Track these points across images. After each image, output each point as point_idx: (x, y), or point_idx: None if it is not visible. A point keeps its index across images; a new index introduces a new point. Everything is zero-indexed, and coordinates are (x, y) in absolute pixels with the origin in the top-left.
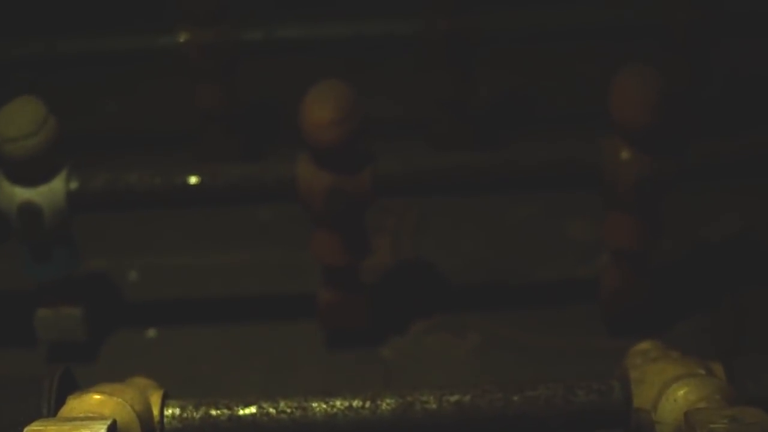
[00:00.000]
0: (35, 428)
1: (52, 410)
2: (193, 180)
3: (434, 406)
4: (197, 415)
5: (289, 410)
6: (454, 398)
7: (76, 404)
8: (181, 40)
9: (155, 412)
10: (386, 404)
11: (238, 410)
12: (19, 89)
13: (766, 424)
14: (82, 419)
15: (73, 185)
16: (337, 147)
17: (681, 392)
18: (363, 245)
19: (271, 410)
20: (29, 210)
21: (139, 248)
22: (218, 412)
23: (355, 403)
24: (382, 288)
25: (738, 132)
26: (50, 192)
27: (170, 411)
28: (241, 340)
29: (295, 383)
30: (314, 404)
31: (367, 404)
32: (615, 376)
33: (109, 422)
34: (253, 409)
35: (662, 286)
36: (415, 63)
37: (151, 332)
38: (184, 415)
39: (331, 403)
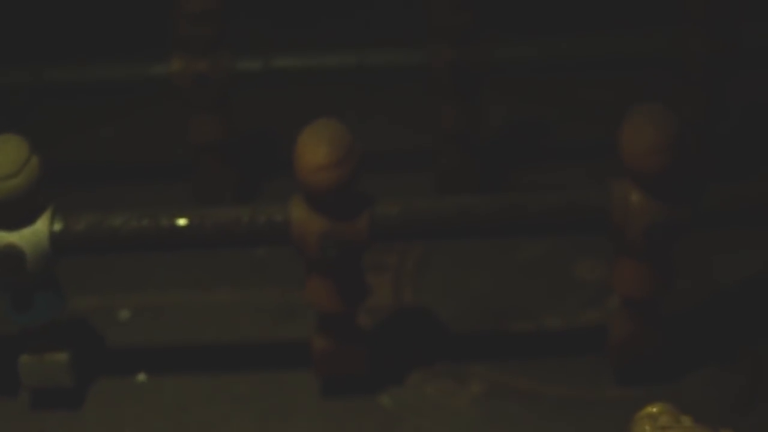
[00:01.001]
0: None
1: None
2: (181, 223)
3: None
4: None
5: None
6: None
7: None
8: (174, 69)
9: None
10: None
11: None
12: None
13: None
14: None
15: (57, 227)
16: (332, 191)
17: None
18: (360, 291)
19: None
20: (11, 253)
21: (129, 287)
22: None
23: None
24: (380, 333)
25: (756, 169)
26: (33, 234)
27: None
28: (234, 386)
29: None
30: None
31: None
32: None
33: None
34: None
35: (673, 334)
36: (420, 93)
37: (141, 377)
38: None
39: None
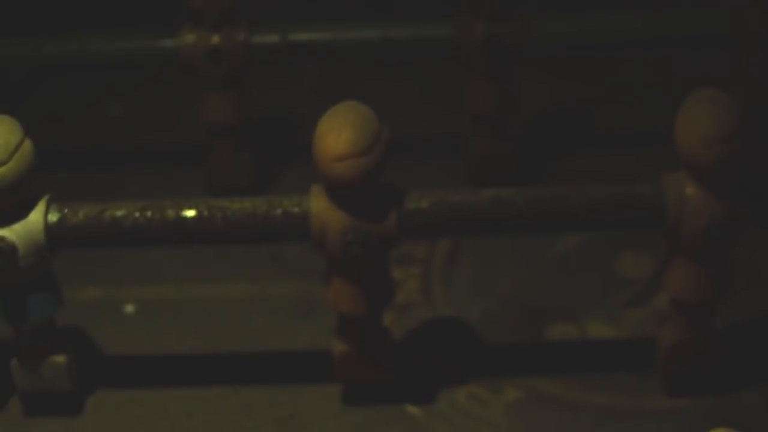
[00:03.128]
0: None
1: None
2: (189, 215)
3: None
4: None
5: None
6: None
7: None
8: (186, 43)
9: None
10: None
11: None
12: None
13: None
14: None
15: (53, 219)
16: (356, 182)
17: None
18: (386, 292)
19: None
20: (2, 248)
21: (134, 279)
22: None
23: None
24: (407, 334)
25: None
26: (26, 227)
27: None
28: (246, 390)
29: None
30: None
31: None
32: None
33: None
34: None
35: (728, 340)
36: (449, 72)
37: (145, 380)
38: None
39: None
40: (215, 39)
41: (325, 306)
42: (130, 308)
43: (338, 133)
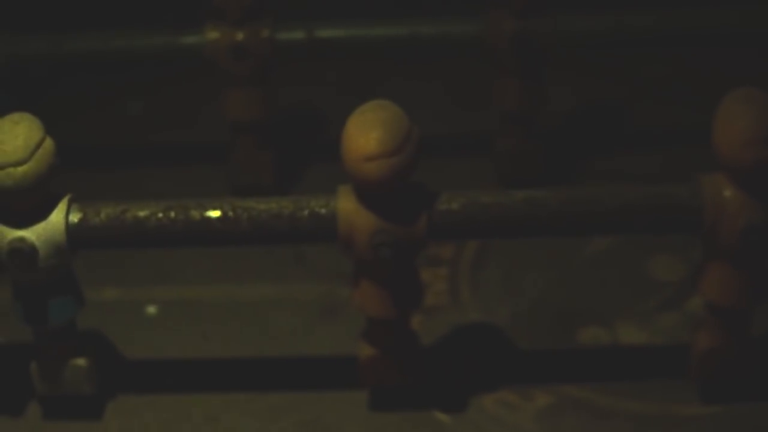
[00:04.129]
0: None
1: None
2: (213, 215)
3: None
4: None
5: None
6: None
7: None
8: (209, 39)
9: None
10: None
11: None
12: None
13: None
14: None
15: (74, 219)
16: (386, 183)
17: None
18: (415, 295)
19: None
20: (21, 249)
21: (157, 280)
22: None
23: None
24: (434, 338)
25: None
26: (46, 227)
27: None
28: (270, 393)
29: None
30: None
31: None
32: None
33: None
34: None
35: (763, 346)
36: (478, 69)
37: (167, 384)
38: None
39: None
40: (239, 35)
41: (351, 307)
42: (152, 309)
43: (368, 133)
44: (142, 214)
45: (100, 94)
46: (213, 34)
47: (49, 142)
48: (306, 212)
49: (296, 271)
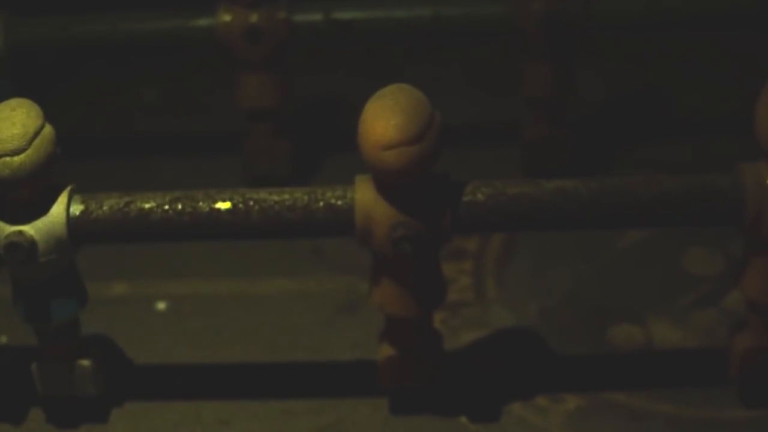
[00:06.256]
0: None
1: None
2: (223, 207)
3: None
4: None
5: None
6: None
7: None
8: (222, 21)
9: None
10: None
11: None
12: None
13: None
14: None
15: (76, 211)
16: (406, 173)
17: None
18: (437, 292)
19: None
20: (19, 243)
21: (166, 274)
22: None
23: None
24: (457, 337)
25: None
26: (47, 220)
27: None
28: (285, 396)
29: None
30: None
31: None
32: None
33: None
34: None
35: None
36: (504, 53)
37: (176, 385)
38: None
39: None
40: (253, 17)
41: (370, 303)
42: (161, 305)
43: (387, 119)
44: (147, 206)
45: (113, 80)
46: (225, 16)
47: (48, 130)
48: (321, 204)
49: (313, 264)
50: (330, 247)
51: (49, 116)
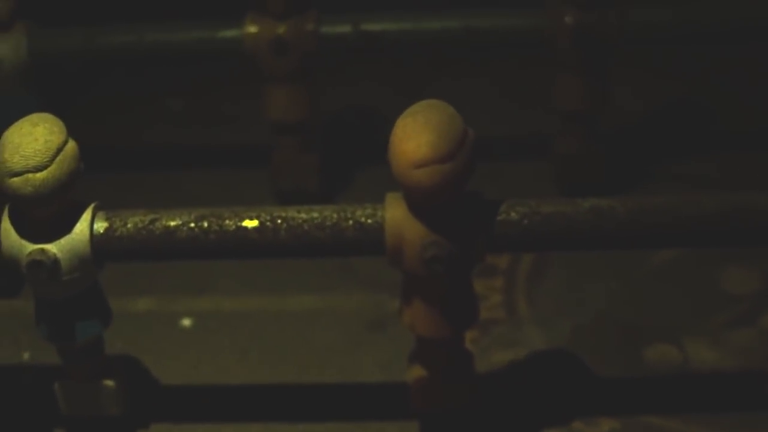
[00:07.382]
0: None
1: None
2: (250, 226)
3: None
4: None
5: None
6: None
7: None
8: (249, 33)
9: None
10: None
11: None
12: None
13: None
14: None
15: (100, 229)
16: (439, 191)
17: None
18: (469, 313)
19: None
20: (42, 261)
21: (191, 290)
22: None
23: None
24: (489, 356)
25: None
26: (70, 238)
27: None
28: (312, 418)
29: None
30: None
31: None
32: None
33: None
34: None
35: None
36: (536, 65)
37: (201, 407)
38: None
39: None
40: (281, 29)
41: (401, 323)
42: (186, 322)
43: (418, 136)
44: (172, 224)
45: (139, 92)
46: (252, 28)
47: (71, 146)
48: (351, 222)
49: (342, 280)
50: (359, 263)
51: (73, 128)
